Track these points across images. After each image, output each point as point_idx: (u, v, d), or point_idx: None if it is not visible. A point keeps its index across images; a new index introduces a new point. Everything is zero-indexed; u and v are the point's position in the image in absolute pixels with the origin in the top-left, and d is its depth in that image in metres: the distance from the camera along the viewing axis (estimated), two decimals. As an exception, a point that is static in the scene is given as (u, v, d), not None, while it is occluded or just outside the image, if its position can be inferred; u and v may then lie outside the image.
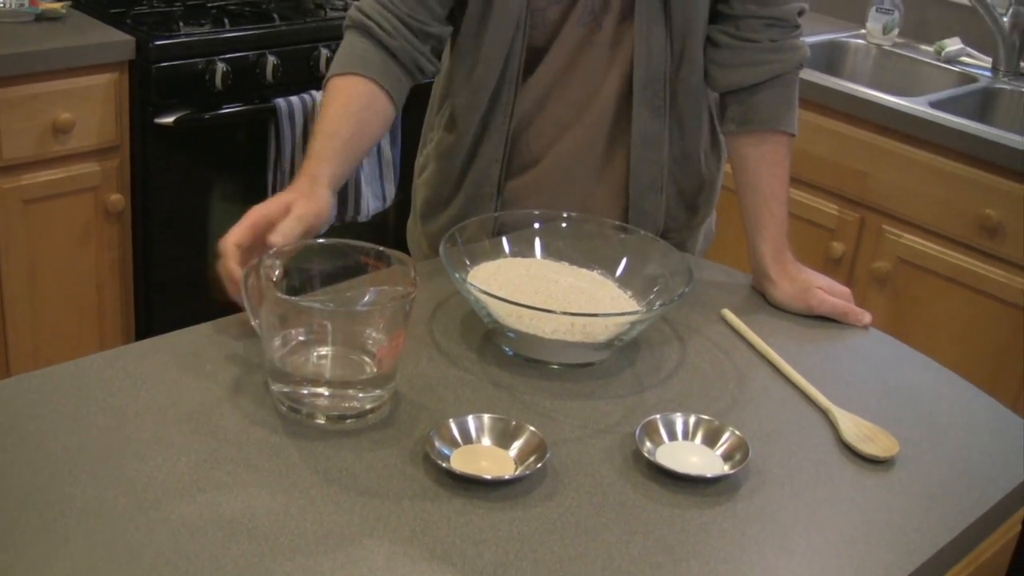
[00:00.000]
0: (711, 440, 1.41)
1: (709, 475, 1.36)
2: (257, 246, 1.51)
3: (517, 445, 1.35)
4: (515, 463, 1.33)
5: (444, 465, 1.29)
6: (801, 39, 1.90)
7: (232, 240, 1.51)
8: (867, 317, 1.80)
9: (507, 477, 1.31)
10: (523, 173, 1.96)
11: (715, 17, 1.87)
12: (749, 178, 1.89)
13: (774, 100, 1.87)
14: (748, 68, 1.86)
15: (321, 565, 1.15)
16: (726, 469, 1.37)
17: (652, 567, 1.21)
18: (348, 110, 1.77)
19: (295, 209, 1.56)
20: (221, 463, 1.28)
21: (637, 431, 1.39)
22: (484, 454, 1.34)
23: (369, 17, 1.81)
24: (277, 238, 1.50)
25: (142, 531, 1.16)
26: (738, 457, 1.38)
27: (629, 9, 1.82)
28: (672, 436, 1.42)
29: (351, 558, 1.16)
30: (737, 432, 1.41)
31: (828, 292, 1.81)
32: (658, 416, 1.43)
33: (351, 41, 1.83)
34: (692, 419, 1.43)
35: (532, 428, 1.36)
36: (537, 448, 1.34)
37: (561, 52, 1.86)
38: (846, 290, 1.83)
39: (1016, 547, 1.60)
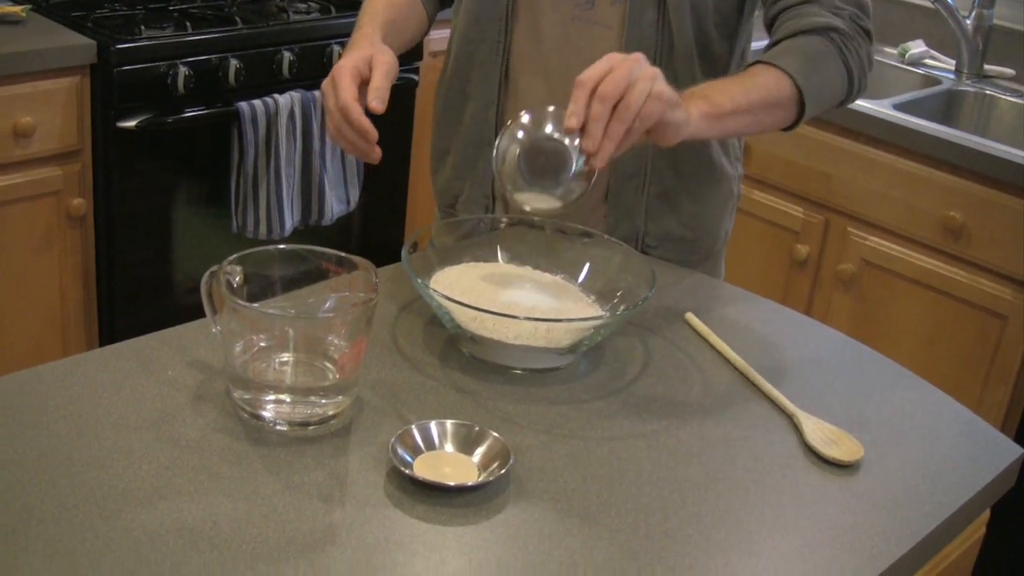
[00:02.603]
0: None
1: None
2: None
3: (480, 451, 1.34)
4: (478, 469, 1.32)
5: (406, 472, 1.29)
6: (839, 15, 1.77)
7: (351, 96, 1.63)
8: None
9: (470, 484, 1.30)
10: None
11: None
12: None
13: (779, 47, 1.75)
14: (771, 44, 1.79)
15: (283, 573, 1.14)
16: None
17: (617, 573, 1.20)
18: (391, 2, 1.91)
19: (377, 63, 1.67)
20: (182, 471, 1.27)
21: None
22: (447, 460, 1.34)
23: None
24: (379, 105, 1.63)
25: (102, 540, 1.15)
26: None
27: None
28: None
29: (313, 566, 1.15)
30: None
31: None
32: None
33: None
34: None
35: (495, 434, 1.36)
36: (500, 454, 1.33)
37: (551, 17, 1.86)
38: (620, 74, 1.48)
39: (980, 551, 1.61)
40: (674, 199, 1.94)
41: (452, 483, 1.29)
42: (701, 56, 1.85)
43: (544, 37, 1.88)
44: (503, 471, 1.31)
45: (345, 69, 1.65)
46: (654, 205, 1.93)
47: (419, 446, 1.34)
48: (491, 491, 1.30)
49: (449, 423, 1.37)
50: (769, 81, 1.70)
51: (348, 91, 1.63)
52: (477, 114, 1.96)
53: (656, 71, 1.51)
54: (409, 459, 1.31)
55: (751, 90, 1.68)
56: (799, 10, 1.77)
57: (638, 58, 1.50)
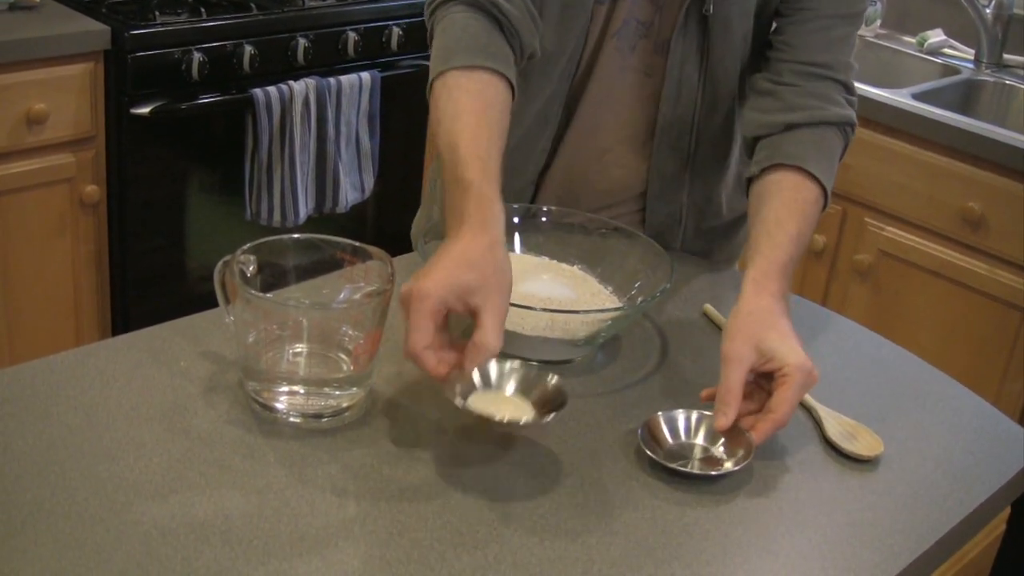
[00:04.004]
0: (713, 438, 1.40)
1: (713, 473, 1.35)
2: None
3: (537, 393, 1.35)
4: (535, 410, 1.33)
5: (461, 403, 1.30)
6: (851, 103, 1.74)
7: (421, 345, 1.29)
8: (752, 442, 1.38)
9: (521, 422, 1.32)
10: (556, 193, 1.89)
11: (760, 65, 1.78)
12: (759, 207, 1.64)
13: (804, 142, 1.67)
14: (784, 113, 1.69)
15: (295, 569, 1.13)
16: (729, 467, 1.36)
17: (633, 570, 1.19)
18: (491, 122, 1.51)
19: (490, 306, 1.31)
20: (194, 463, 1.26)
21: (640, 428, 1.39)
22: (503, 400, 1.35)
23: None
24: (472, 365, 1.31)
25: (112, 534, 1.14)
26: (741, 454, 1.36)
27: (663, 43, 1.75)
28: (674, 433, 1.40)
29: (326, 561, 1.14)
30: (741, 428, 1.39)
31: (793, 383, 1.39)
32: (660, 413, 1.42)
33: (466, 24, 1.60)
34: (695, 416, 1.42)
35: (556, 377, 1.38)
36: (556, 395, 1.34)
37: (607, 65, 1.78)
38: (789, 398, 1.38)
39: (1000, 547, 1.59)
40: (709, 232, 1.94)
41: (504, 418, 1.31)
42: (740, 100, 1.82)
43: (594, 83, 1.79)
44: (557, 412, 1.31)
45: (429, 300, 1.29)
46: (690, 243, 1.93)
47: (476, 386, 1.35)
48: (508, 485, 1.29)
49: (509, 364, 1.38)
50: (814, 216, 1.64)
51: (421, 336, 1.29)
52: (520, 159, 1.83)
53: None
54: (464, 398, 1.32)
55: (806, 234, 1.61)
56: (820, 88, 1.71)
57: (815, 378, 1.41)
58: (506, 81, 1.57)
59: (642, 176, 1.86)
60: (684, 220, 1.89)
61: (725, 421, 1.37)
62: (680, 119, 1.79)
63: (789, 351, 1.40)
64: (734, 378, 1.39)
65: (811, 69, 1.71)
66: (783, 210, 1.60)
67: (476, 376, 1.34)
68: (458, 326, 1.38)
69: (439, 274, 1.31)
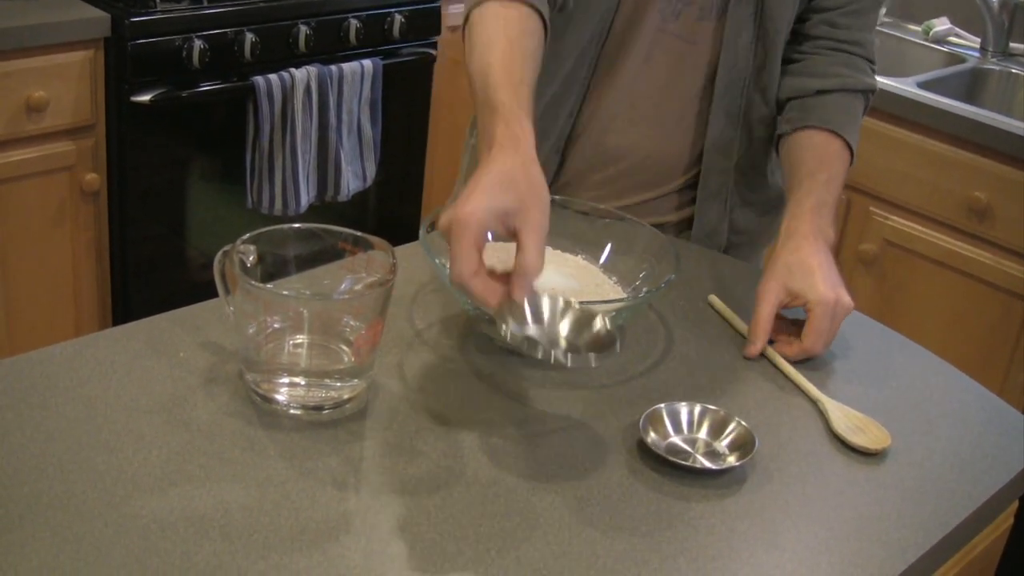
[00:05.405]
0: (716, 431, 1.38)
1: (715, 468, 1.33)
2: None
3: (587, 336, 1.33)
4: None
5: (509, 336, 1.26)
6: (872, 72, 1.89)
7: (469, 271, 1.25)
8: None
9: (569, 363, 1.29)
10: (590, 161, 1.91)
11: (793, 37, 1.88)
12: (793, 165, 1.79)
13: (835, 106, 1.83)
14: (816, 79, 1.84)
15: (296, 563, 1.11)
16: (732, 461, 1.34)
17: (638, 564, 1.17)
18: (525, 50, 1.53)
19: (529, 225, 1.29)
20: (193, 456, 1.24)
21: (641, 420, 1.36)
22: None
23: None
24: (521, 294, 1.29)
25: (111, 527, 1.13)
26: (744, 448, 1.35)
27: (710, 9, 1.79)
28: (676, 426, 1.39)
29: (327, 555, 1.13)
30: (743, 423, 1.38)
31: (815, 317, 1.55)
32: (662, 405, 1.40)
33: None
34: (697, 409, 1.40)
35: (607, 319, 1.35)
36: (607, 338, 1.32)
37: (641, 28, 1.81)
38: (823, 329, 1.55)
39: (1007, 541, 1.58)
40: (755, 205, 1.98)
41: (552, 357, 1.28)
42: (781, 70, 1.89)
43: (630, 48, 1.83)
44: (604, 355, 1.30)
45: (470, 227, 1.26)
46: (736, 216, 1.95)
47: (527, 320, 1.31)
48: (510, 480, 1.27)
49: (561, 301, 1.34)
50: (842, 167, 1.79)
51: (466, 264, 1.25)
52: (550, 118, 1.88)
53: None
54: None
55: (838, 179, 1.77)
56: (850, 59, 1.87)
57: (850, 308, 1.59)
58: (541, 17, 1.60)
59: (684, 151, 1.89)
60: (729, 195, 1.92)
61: (753, 349, 1.57)
62: (733, 83, 1.84)
63: (810, 288, 1.57)
64: (762, 312, 1.58)
65: (842, 47, 1.87)
66: (813, 162, 1.76)
67: (527, 311, 1.29)
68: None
69: (477, 199, 1.27)
